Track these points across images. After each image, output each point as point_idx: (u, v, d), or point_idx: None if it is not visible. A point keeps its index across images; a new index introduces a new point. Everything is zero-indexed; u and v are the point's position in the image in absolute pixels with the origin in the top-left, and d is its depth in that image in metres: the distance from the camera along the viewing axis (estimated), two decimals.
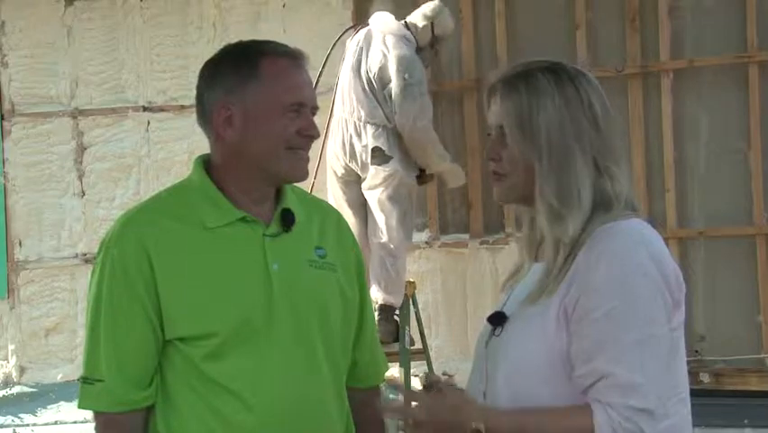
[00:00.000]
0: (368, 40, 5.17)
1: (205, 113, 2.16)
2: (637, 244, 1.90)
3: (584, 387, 1.86)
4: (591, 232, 1.91)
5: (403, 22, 5.20)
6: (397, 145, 5.10)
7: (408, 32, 5.16)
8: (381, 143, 5.05)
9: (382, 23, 5.19)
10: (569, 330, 1.88)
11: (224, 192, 2.15)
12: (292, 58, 2.16)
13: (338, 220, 2.33)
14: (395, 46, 5.06)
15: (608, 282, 1.86)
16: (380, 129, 5.08)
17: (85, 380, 2.12)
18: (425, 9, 5.24)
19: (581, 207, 1.93)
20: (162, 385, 2.12)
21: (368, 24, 5.27)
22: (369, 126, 5.08)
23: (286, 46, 2.18)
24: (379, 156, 5.05)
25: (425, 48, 5.23)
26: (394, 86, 5.01)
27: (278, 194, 2.20)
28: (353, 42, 5.24)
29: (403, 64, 5.03)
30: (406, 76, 5.01)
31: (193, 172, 2.20)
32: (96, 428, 2.14)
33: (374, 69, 5.07)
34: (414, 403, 1.97)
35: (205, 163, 2.20)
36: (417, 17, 5.22)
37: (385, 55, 5.07)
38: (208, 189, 2.15)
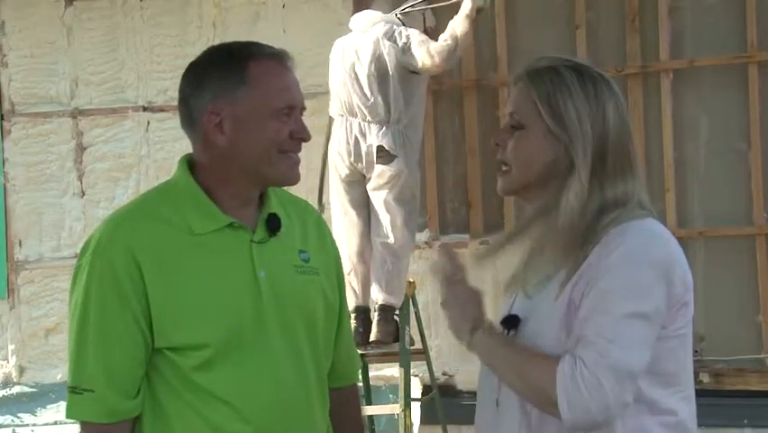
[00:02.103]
0: (356, 42, 5.17)
1: (192, 117, 2.12)
2: (650, 242, 1.93)
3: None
4: (607, 229, 1.93)
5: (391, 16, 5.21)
6: (402, 145, 5.10)
7: (392, 17, 5.16)
8: (386, 143, 5.06)
9: (361, 23, 5.21)
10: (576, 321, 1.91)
11: (211, 196, 2.12)
12: (279, 59, 2.13)
13: (318, 220, 2.31)
14: (376, 33, 5.09)
15: (614, 268, 1.88)
16: (385, 128, 5.08)
17: (73, 389, 2.07)
18: None
19: (585, 207, 1.95)
20: (150, 395, 2.08)
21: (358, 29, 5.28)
22: (373, 126, 5.09)
23: (272, 47, 2.16)
24: (384, 155, 5.06)
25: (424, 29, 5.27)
26: (398, 54, 5.03)
27: (261, 197, 2.17)
28: (341, 47, 5.21)
29: (391, 38, 5.06)
30: (404, 40, 5.05)
31: (178, 174, 2.16)
32: None
33: (371, 68, 5.08)
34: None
35: (190, 164, 2.16)
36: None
37: (373, 49, 5.07)
38: (194, 193, 2.12)
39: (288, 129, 2.09)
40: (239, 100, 2.08)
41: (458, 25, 5.03)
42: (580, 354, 1.83)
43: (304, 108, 2.15)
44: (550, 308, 1.94)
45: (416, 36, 5.04)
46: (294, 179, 2.14)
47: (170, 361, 2.06)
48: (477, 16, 5.08)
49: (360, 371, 2.42)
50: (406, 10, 5.20)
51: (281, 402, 2.09)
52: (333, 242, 2.32)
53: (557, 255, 1.97)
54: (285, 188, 2.22)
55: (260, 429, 2.07)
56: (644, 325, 1.87)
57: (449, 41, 5.00)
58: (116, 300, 2.04)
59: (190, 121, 2.13)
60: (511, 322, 2.01)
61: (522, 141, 1.99)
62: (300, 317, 2.14)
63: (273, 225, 2.14)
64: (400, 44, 5.04)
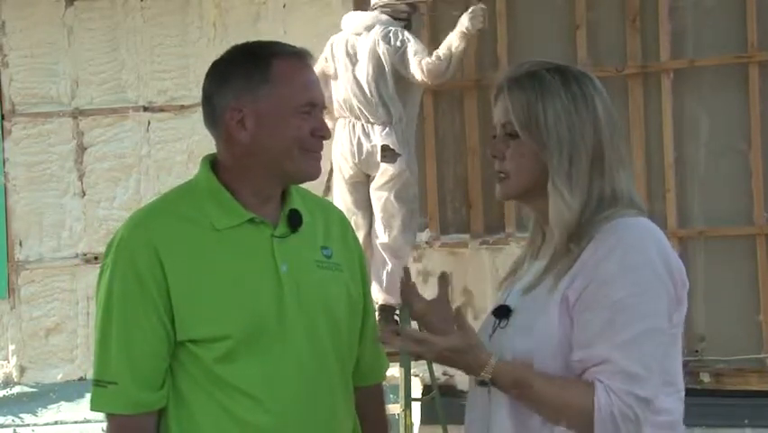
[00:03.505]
0: (351, 45, 5.18)
1: (215, 115, 2.16)
2: (647, 241, 1.95)
3: (581, 370, 1.90)
4: (600, 226, 1.95)
5: (376, 12, 5.21)
6: (405, 144, 5.12)
7: (382, 16, 5.17)
8: (390, 142, 5.08)
9: (353, 24, 5.21)
10: (570, 318, 1.92)
11: (233, 193, 2.15)
12: (300, 57, 2.17)
13: (341, 218, 2.35)
14: (374, 36, 5.09)
15: (619, 275, 1.90)
16: (388, 128, 5.10)
17: (97, 382, 2.11)
18: None
19: (585, 201, 1.97)
20: (174, 388, 2.11)
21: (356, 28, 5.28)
22: (376, 126, 5.11)
23: (293, 46, 2.20)
24: (389, 154, 5.07)
25: (408, 15, 5.25)
26: (393, 59, 5.05)
27: (283, 194, 2.20)
28: (341, 49, 5.22)
29: (387, 39, 5.06)
30: (398, 44, 5.05)
31: (200, 173, 2.20)
32: (109, 430, 2.14)
33: (369, 70, 5.09)
34: (419, 337, 1.98)
35: (212, 164, 2.20)
36: None
37: (371, 52, 5.08)
38: (216, 190, 2.15)
39: (309, 126, 2.13)
40: (261, 97, 2.11)
41: (454, 42, 5.03)
42: (610, 383, 1.86)
43: (325, 107, 2.20)
44: (544, 301, 1.96)
45: (411, 45, 5.05)
46: (314, 174, 2.18)
47: (193, 354, 2.09)
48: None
49: (386, 370, 2.43)
50: (381, 3, 5.20)
51: (303, 394, 2.11)
52: (356, 240, 2.35)
53: (553, 251, 1.99)
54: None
55: (282, 421, 2.09)
56: (661, 338, 1.91)
57: (442, 60, 5.00)
58: (138, 295, 2.07)
59: (213, 119, 2.17)
60: (502, 312, 2.03)
61: (519, 148, 2.01)
62: (322, 312, 2.16)
63: (294, 220, 2.17)
64: (393, 46, 5.05)
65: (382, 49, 5.07)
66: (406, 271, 2.20)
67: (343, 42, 5.19)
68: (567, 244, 1.96)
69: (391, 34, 5.09)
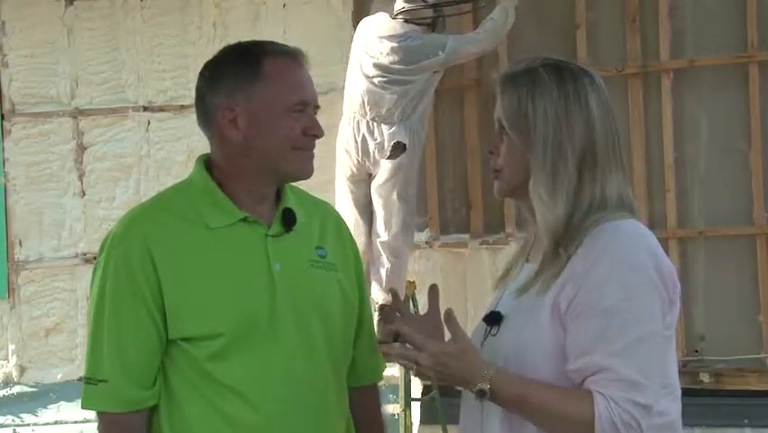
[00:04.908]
0: (372, 45, 5.15)
1: (208, 114, 2.16)
2: (637, 244, 1.92)
3: (579, 379, 1.89)
4: (588, 231, 1.93)
5: (401, 19, 5.19)
6: (410, 139, 5.12)
7: (407, 27, 5.15)
8: (401, 138, 5.06)
9: (379, 28, 5.19)
10: (563, 326, 1.91)
11: (227, 192, 2.15)
12: (293, 57, 2.17)
13: (337, 220, 2.34)
14: (405, 49, 5.07)
15: (610, 280, 1.88)
16: (395, 127, 5.08)
17: (88, 380, 2.11)
18: None
19: (572, 204, 1.95)
20: (165, 386, 2.11)
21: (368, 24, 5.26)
22: (384, 125, 5.09)
23: (286, 46, 2.20)
24: (399, 150, 5.08)
25: (433, 20, 5.27)
26: (439, 66, 5.13)
27: (278, 194, 2.21)
28: (357, 45, 5.22)
29: (427, 50, 5.07)
30: (440, 53, 5.07)
31: (194, 172, 2.20)
32: (100, 428, 2.14)
33: (389, 76, 5.07)
34: (419, 348, 1.95)
35: (207, 163, 2.20)
36: (400, 4, 5.22)
37: (398, 59, 5.07)
38: (210, 190, 2.16)
39: (300, 125, 2.13)
40: (253, 96, 2.12)
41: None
42: (609, 392, 1.84)
43: (317, 106, 2.19)
44: (534, 308, 1.94)
45: (452, 40, 5.12)
46: (307, 172, 2.18)
47: (185, 352, 2.09)
48: None
49: (383, 371, 2.43)
50: (406, 8, 5.19)
51: (293, 394, 2.11)
52: (352, 241, 2.35)
53: (542, 254, 1.98)
54: (296, 183, 2.25)
55: (272, 420, 2.09)
56: (657, 342, 1.89)
57: (494, 21, 5.21)
58: (130, 293, 2.08)
59: (206, 118, 2.17)
60: (493, 319, 2.02)
61: (510, 144, 2.00)
62: (315, 311, 2.16)
63: (288, 220, 2.17)
64: (436, 55, 5.07)
65: (432, 65, 5.08)
66: (395, 294, 2.18)
67: (365, 42, 5.17)
68: (556, 248, 1.94)
69: (427, 48, 5.09)
